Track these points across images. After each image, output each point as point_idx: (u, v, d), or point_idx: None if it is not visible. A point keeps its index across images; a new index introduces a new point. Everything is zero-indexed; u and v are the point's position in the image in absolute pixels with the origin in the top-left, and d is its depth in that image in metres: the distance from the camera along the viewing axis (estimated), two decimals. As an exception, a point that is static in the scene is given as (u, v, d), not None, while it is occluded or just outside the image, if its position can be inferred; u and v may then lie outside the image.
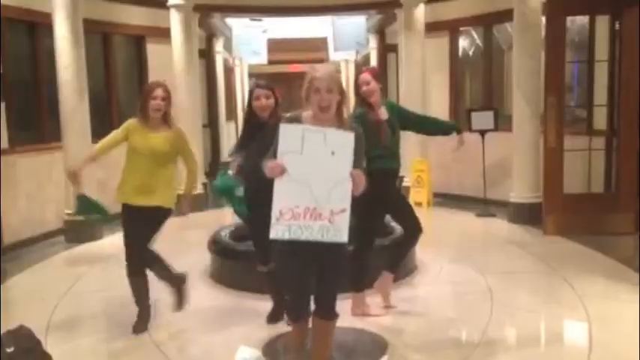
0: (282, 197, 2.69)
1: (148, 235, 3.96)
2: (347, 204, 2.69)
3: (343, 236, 2.71)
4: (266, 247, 3.87)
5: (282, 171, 2.68)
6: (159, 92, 3.88)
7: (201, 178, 8.92)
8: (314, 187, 2.68)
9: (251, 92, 3.90)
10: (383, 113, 4.10)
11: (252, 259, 4.21)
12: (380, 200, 4.01)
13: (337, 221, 2.69)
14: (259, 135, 3.74)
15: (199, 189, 8.74)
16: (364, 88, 4.06)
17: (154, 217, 3.93)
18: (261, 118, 3.84)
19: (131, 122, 3.97)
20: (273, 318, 4.12)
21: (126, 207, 3.93)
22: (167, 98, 3.91)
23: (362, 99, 4.09)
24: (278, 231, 2.71)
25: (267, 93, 3.83)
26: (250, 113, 3.91)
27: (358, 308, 4.21)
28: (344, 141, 2.69)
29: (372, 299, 4.32)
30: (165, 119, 3.96)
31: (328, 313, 3.00)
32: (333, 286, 2.99)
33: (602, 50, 6.50)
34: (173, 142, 3.96)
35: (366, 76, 4.08)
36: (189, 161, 4.11)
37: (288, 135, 2.70)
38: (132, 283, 4.01)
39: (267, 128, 3.74)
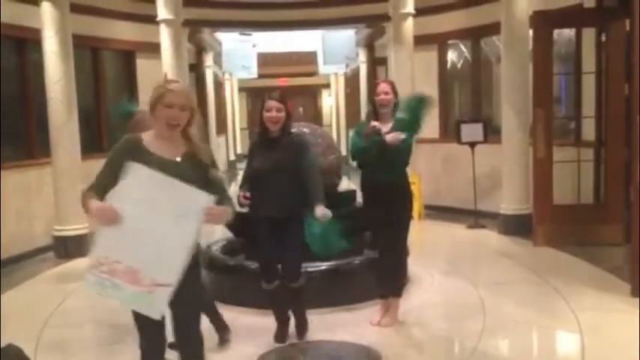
0: (105, 247, 2.33)
1: None
2: (174, 279, 2.31)
3: (156, 313, 2.37)
4: (273, 265, 3.90)
5: (115, 219, 2.30)
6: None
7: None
8: (145, 248, 2.31)
9: (263, 104, 3.86)
10: (386, 127, 4.09)
11: (247, 275, 4.23)
12: (371, 211, 4.12)
13: (157, 295, 2.31)
14: (269, 153, 3.77)
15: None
16: (382, 96, 4.09)
17: None
18: (271, 133, 3.83)
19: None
20: (280, 337, 4.03)
21: None
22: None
23: (374, 107, 4.15)
24: (89, 283, 2.35)
25: (279, 106, 3.79)
26: (262, 126, 3.88)
27: (379, 316, 4.27)
28: (194, 202, 2.33)
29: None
30: None
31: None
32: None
33: (589, 62, 6.57)
34: None
35: (386, 86, 4.14)
36: None
37: (135, 176, 2.32)
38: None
39: (279, 147, 3.78)
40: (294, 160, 3.77)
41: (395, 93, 4.15)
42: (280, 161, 3.75)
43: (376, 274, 4.31)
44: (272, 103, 3.80)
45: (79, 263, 6.48)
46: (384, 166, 4.05)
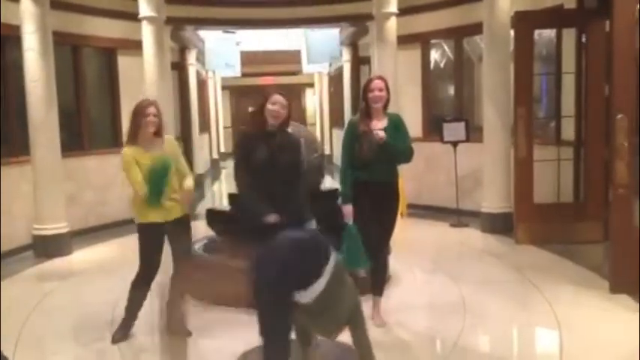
0: None
1: (189, 242, 4.26)
2: None
3: None
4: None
5: None
6: (151, 110, 3.94)
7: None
8: None
9: (267, 97, 3.75)
10: (380, 123, 4.08)
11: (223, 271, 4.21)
12: (361, 209, 4.03)
13: None
14: (265, 147, 3.64)
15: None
16: (376, 92, 4.05)
17: (187, 225, 4.12)
18: (268, 127, 3.70)
19: (129, 150, 3.92)
20: None
21: (154, 224, 3.94)
22: (159, 114, 3.99)
23: (366, 104, 4.10)
24: None
25: (285, 103, 3.72)
26: (261, 120, 3.73)
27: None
28: None
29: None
30: (159, 134, 4.00)
31: None
32: None
33: (569, 63, 6.64)
34: (173, 151, 4.08)
35: (381, 82, 4.10)
36: (184, 165, 4.15)
37: None
38: (135, 295, 4.04)
39: (275, 140, 3.64)
40: (290, 157, 3.68)
41: (388, 90, 4.13)
42: (280, 158, 3.64)
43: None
44: (279, 98, 3.72)
45: (58, 262, 6.43)
46: (377, 165, 4.04)
